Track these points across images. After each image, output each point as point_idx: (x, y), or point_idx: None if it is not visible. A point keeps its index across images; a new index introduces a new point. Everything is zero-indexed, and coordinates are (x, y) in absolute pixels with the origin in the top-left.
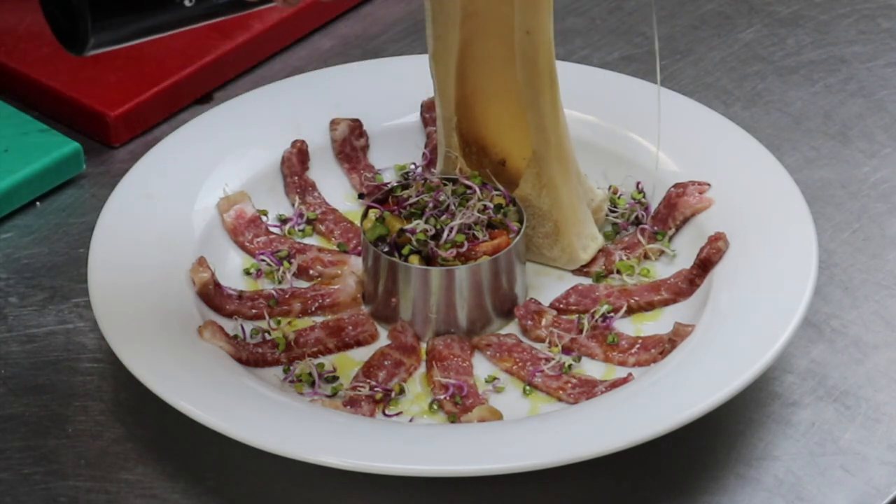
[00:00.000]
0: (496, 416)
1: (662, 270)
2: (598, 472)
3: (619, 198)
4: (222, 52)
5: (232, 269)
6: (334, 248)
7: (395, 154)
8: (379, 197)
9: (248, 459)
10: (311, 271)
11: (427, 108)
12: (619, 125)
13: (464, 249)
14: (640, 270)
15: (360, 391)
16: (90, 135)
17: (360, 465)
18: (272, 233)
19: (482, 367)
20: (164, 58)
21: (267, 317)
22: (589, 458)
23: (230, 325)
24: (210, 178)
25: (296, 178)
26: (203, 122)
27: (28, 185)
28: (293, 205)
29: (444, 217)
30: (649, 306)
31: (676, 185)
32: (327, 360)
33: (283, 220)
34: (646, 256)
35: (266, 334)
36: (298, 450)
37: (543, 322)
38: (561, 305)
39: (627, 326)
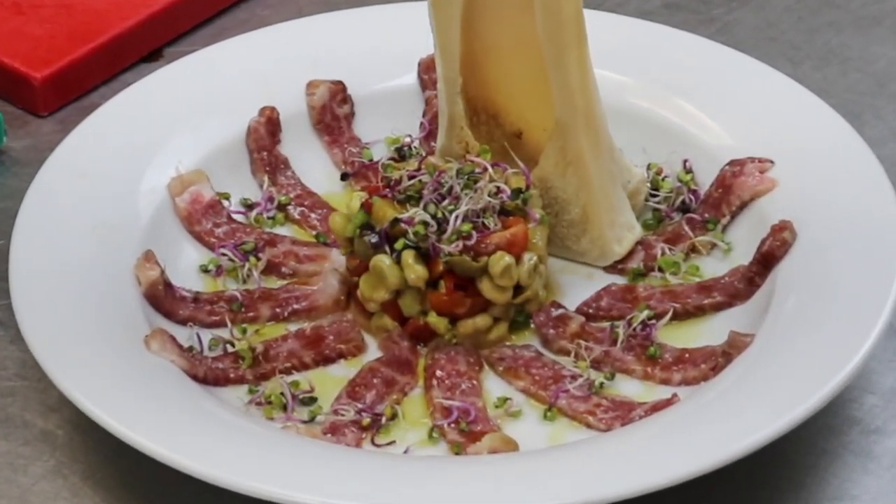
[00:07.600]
0: (510, 446)
1: (715, 268)
2: None
3: (661, 179)
4: None
5: (186, 265)
6: (312, 239)
7: (386, 124)
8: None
9: (205, 497)
10: (283, 268)
11: (426, 68)
12: (662, 89)
13: (471, 242)
14: (686, 268)
15: (343, 416)
16: (12, 100)
17: None
18: (235, 221)
19: (493, 386)
20: (103, 6)
21: (229, 324)
22: (623, 498)
23: (184, 335)
24: (159, 154)
25: (264, 153)
26: (150, 84)
27: None
28: (261, 186)
29: (446, 202)
30: (699, 311)
31: (732, 163)
32: (303, 378)
33: (249, 206)
34: (694, 250)
35: (228, 346)
36: (266, 487)
37: (569, 331)
38: (590, 310)
39: (672, 336)
